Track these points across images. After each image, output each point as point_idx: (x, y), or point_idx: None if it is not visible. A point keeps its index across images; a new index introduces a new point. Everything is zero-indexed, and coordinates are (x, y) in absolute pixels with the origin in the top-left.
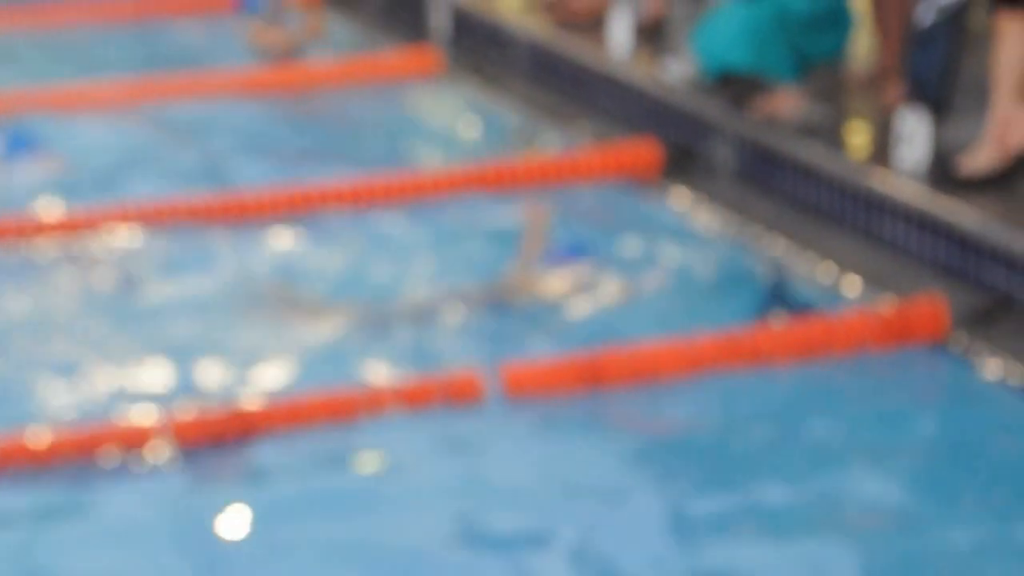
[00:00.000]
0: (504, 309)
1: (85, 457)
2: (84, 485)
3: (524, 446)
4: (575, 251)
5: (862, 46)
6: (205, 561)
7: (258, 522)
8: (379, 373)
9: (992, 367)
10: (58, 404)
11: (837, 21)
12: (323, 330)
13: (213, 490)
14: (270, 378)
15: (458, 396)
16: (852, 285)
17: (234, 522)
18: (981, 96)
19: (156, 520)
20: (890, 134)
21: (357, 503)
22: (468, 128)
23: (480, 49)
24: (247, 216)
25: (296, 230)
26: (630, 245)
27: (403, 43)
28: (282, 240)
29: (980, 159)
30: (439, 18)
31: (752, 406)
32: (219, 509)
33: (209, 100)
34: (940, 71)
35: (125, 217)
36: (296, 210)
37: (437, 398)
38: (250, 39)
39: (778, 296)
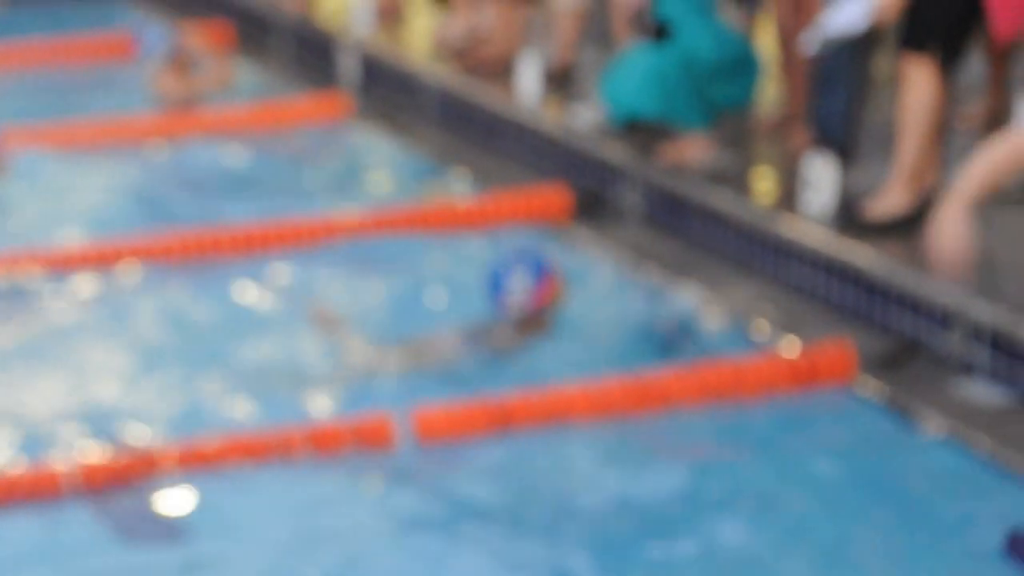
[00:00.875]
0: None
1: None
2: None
3: (432, 489)
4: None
5: (769, 93)
6: None
7: (175, 563)
8: (292, 416)
9: (898, 409)
10: None
11: (743, 69)
12: (240, 373)
13: (123, 534)
14: (181, 422)
15: (369, 441)
16: (761, 329)
17: (154, 566)
18: (886, 141)
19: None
20: (797, 179)
21: (267, 546)
22: (378, 173)
23: (390, 95)
24: (154, 259)
25: (201, 274)
26: None
27: (313, 89)
28: (185, 285)
29: (887, 203)
30: (348, 64)
31: (661, 448)
32: (131, 553)
33: (116, 146)
34: (844, 116)
35: (32, 260)
36: (202, 254)
37: (348, 442)
38: (150, 86)
39: (685, 339)
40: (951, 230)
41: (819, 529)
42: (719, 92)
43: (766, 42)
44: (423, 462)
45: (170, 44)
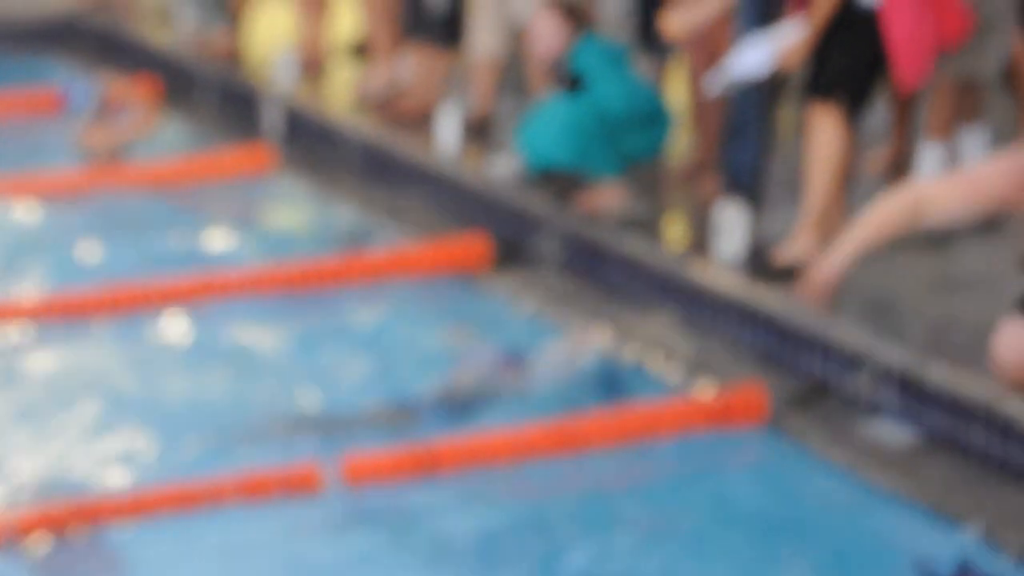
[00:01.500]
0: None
1: None
2: None
3: (359, 535)
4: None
5: (680, 142)
6: None
7: None
8: (222, 465)
9: (809, 449)
10: None
11: (655, 120)
12: (168, 423)
13: None
14: (114, 472)
15: (297, 488)
16: (676, 372)
17: None
18: (793, 187)
19: None
20: (708, 226)
21: None
22: (302, 225)
23: (313, 147)
24: (76, 315)
25: (127, 325)
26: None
27: (238, 141)
28: (111, 336)
29: (795, 249)
30: (272, 116)
31: (579, 491)
32: None
33: (42, 201)
34: (754, 165)
35: None
36: (129, 306)
37: (277, 490)
38: (78, 140)
39: (605, 383)
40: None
41: (728, 566)
42: (632, 142)
43: (677, 90)
44: (352, 507)
45: (97, 98)
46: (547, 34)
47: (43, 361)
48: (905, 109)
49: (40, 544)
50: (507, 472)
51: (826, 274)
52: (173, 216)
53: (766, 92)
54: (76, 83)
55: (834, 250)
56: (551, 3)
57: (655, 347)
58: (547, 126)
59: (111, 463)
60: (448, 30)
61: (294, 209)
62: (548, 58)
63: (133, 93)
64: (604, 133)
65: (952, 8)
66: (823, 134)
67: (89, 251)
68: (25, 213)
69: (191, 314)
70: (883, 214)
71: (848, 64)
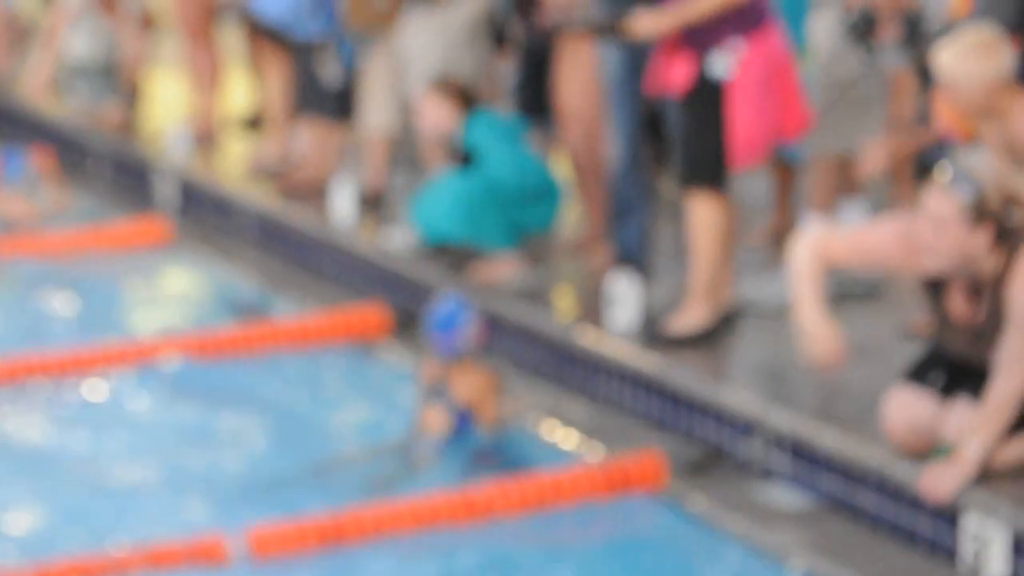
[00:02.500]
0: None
1: None
2: None
3: None
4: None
5: (572, 213)
6: None
7: None
8: (127, 538)
9: (704, 512)
10: None
11: (546, 193)
12: (67, 495)
13: None
14: (16, 543)
15: (203, 559)
16: (573, 441)
17: None
18: (680, 257)
19: None
20: (601, 296)
21: None
22: (198, 296)
23: (208, 218)
24: None
25: (22, 396)
26: (361, 406)
27: (132, 213)
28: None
29: (687, 319)
30: (165, 188)
31: (481, 559)
32: None
33: None
34: (640, 238)
35: None
36: (24, 376)
37: (183, 561)
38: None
39: (499, 453)
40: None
41: None
42: (524, 214)
43: (564, 165)
44: None
45: (24, 168)
46: (434, 114)
47: None
48: (787, 182)
49: None
50: (412, 540)
51: (815, 329)
52: (68, 289)
53: (648, 167)
54: (9, 152)
55: (798, 311)
56: (438, 84)
57: (553, 416)
58: (440, 201)
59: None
60: (341, 104)
61: (190, 280)
62: (437, 136)
63: (47, 165)
64: (497, 206)
65: (793, 103)
66: (701, 211)
67: None
68: None
69: (87, 384)
70: (805, 265)
71: (707, 148)
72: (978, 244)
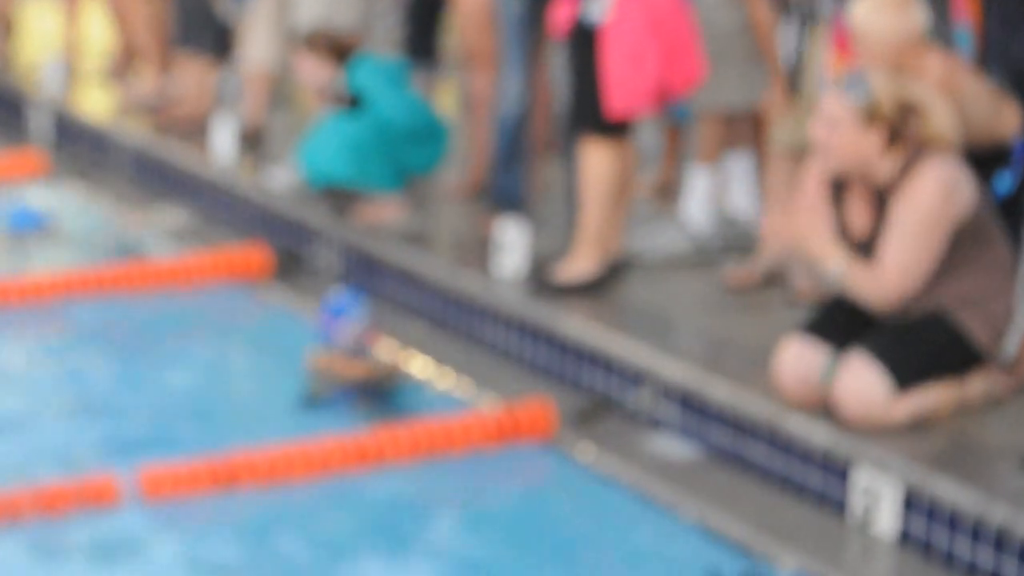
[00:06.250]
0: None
1: None
2: None
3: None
4: (340, 311)
5: (458, 157)
6: None
7: None
8: (18, 476)
9: (593, 461)
10: None
11: (432, 134)
12: None
13: None
14: None
15: (95, 500)
16: (462, 388)
17: None
18: (567, 204)
19: None
20: (488, 242)
21: None
22: (75, 232)
23: (84, 152)
24: None
25: None
26: (240, 347)
27: (6, 146)
28: None
29: (575, 268)
30: (40, 121)
31: (373, 504)
32: None
33: None
34: (524, 186)
35: None
36: None
37: (74, 503)
38: None
39: (390, 397)
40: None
41: None
42: (411, 156)
43: (447, 105)
44: (148, 521)
45: None
46: (310, 68)
47: None
48: (674, 136)
49: None
50: (303, 484)
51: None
52: None
53: (530, 115)
54: None
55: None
56: (310, 39)
57: (440, 362)
58: (327, 143)
59: None
60: (221, 39)
61: (65, 216)
62: (317, 88)
63: None
64: (384, 148)
65: (683, 55)
66: (591, 158)
67: None
68: None
69: None
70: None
71: (586, 94)
72: (870, 145)
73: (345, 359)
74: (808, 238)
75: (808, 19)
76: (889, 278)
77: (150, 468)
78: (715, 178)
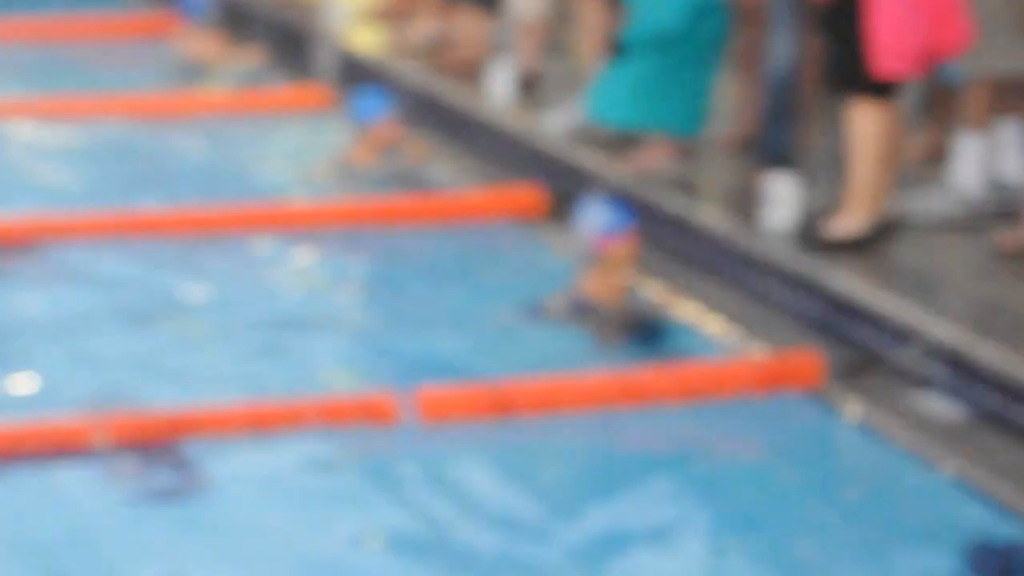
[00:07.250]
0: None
1: None
2: None
3: (434, 470)
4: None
5: (727, 111)
6: None
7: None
8: (301, 388)
9: (859, 415)
10: None
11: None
12: (245, 343)
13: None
14: (191, 389)
15: (374, 417)
16: (731, 335)
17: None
18: (839, 162)
19: None
20: (757, 195)
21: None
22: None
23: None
24: (137, 235)
25: (185, 250)
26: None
27: (293, 80)
28: (172, 259)
29: (845, 224)
30: (325, 58)
31: (641, 442)
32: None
33: (105, 122)
34: (792, 141)
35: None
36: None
37: (353, 417)
38: (181, 43)
39: (657, 339)
40: None
41: (771, 533)
42: (699, 73)
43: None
44: (423, 440)
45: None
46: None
47: (94, 276)
48: (943, 98)
49: (116, 453)
50: (574, 415)
51: None
52: (225, 147)
53: (799, 71)
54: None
55: None
56: None
57: (710, 308)
58: (619, 87)
59: (191, 380)
60: None
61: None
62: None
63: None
64: (672, 77)
65: (951, 17)
66: (858, 119)
67: (143, 172)
68: (90, 132)
69: (259, 241)
70: None
71: (851, 55)
72: None
73: (607, 283)
74: None
75: None
76: None
77: (428, 390)
78: (985, 144)
